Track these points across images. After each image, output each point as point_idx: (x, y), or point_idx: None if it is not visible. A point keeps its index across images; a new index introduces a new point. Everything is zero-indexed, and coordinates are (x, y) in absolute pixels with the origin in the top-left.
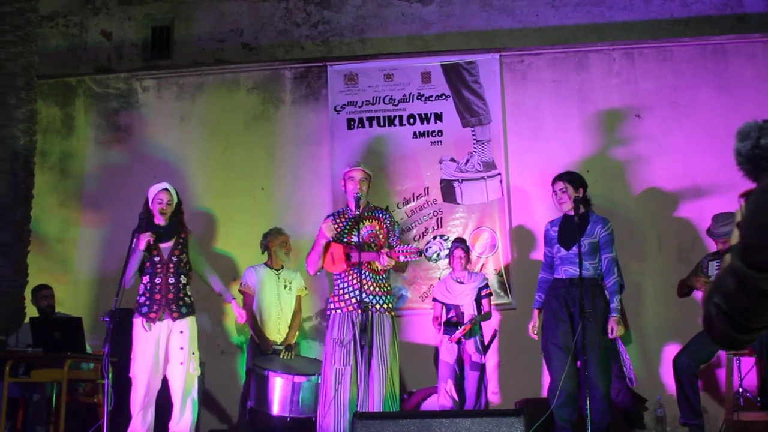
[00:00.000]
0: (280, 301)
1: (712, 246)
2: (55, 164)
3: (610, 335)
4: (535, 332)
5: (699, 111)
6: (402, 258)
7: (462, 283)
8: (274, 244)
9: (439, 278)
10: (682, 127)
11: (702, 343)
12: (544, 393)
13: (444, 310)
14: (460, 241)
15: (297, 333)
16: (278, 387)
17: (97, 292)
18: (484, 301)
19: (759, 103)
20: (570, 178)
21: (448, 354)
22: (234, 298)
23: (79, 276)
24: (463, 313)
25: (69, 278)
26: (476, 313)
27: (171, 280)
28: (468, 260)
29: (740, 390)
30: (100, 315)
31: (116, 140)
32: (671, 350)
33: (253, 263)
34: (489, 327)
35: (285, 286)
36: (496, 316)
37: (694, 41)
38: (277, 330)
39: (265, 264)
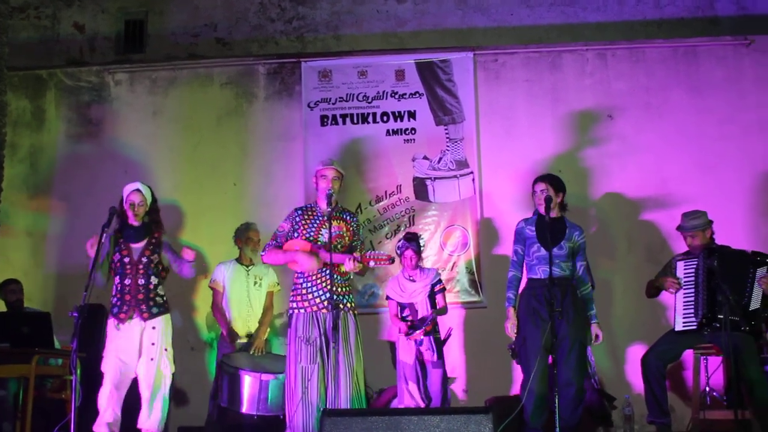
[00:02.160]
0: (249, 297)
1: (682, 247)
2: (25, 157)
3: (595, 342)
4: (515, 331)
5: (671, 112)
6: (372, 264)
7: (414, 281)
8: (241, 240)
9: (392, 276)
10: (654, 127)
11: (670, 342)
12: (513, 391)
13: (399, 308)
14: (410, 240)
15: (268, 329)
16: (246, 385)
17: (66, 287)
18: (438, 297)
19: (729, 104)
20: (552, 181)
21: (407, 354)
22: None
23: (49, 270)
24: (417, 311)
25: (38, 273)
26: (430, 309)
27: (141, 282)
28: (419, 259)
29: (707, 389)
30: (69, 310)
31: (87, 134)
32: (639, 350)
33: (224, 259)
34: (444, 323)
35: (255, 283)
36: (463, 314)
37: (666, 43)
38: (246, 326)
39: (236, 260)
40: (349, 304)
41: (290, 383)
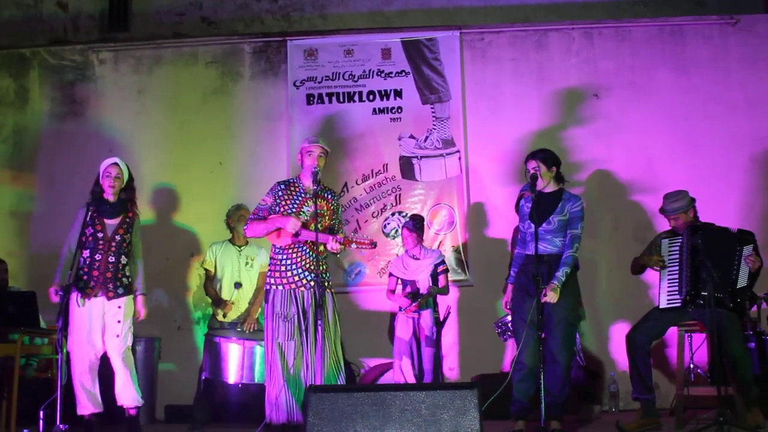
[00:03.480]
0: (240, 277)
1: (667, 225)
2: (9, 137)
3: (542, 299)
4: (509, 308)
5: (656, 91)
6: (354, 246)
7: (418, 259)
8: (233, 220)
9: (398, 255)
10: (640, 107)
11: (654, 319)
12: (503, 368)
13: (401, 285)
14: (413, 219)
15: (259, 309)
16: (231, 354)
17: (51, 266)
18: (441, 277)
19: (715, 84)
20: (543, 157)
21: (403, 330)
22: (144, 294)
23: (33, 250)
24: (419, 289)
25: (23, 252)
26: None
27: (111, 259)
28: (419, 238)
29: (691, 366)
30: (54, 289)
31: (72, 113)
32: (624, 328)
33: (211, 238)
34: (444, 303)
35: (246, 263)
36: (453, 293)
37: (652, 22)
38: (237, 306)
39: (229, 240)
40: (326, 282)
41: (268, 359)
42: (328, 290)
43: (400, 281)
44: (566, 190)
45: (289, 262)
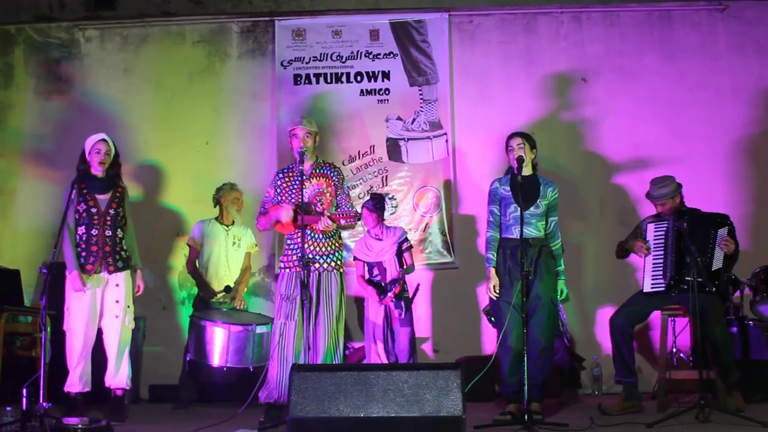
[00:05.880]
0: (227, 257)
1: (653, 210)
2: None
3: (560, 296)
4: (497, 291)
5: (644, 76)
6: (343, 222)
7: (380, 239)
8: (226, 199)
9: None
10: (627, 91)
11: (638, 303)
12: (484, 351)
13: (366, 267)
14: (367, 201)
15: (245, 288)
16: (216, 337)
17: (36, 244)
18: (406, 255)
19: (703, 70)
20: (527, 137)
21: (376, 314)
22: (141, 268)
23: (18, 228)
24: (385, 269)
25: (8, 230)
26: (398, 268)
27: (108, 233)
28: (380, 218)
29: (674, 350)
30: (39, 267)
31: (57, 91)
32: (609, 311)
33: (197, 217)
34: (412, 282)
35: (234, 243)
36: (439, 276)
37: (641, 7)
38: (222, 286)
39: (216, 219)
40: (333, 264)
41: (273, 339)
42: (334, 271)
43: (366, 265)
44: (540, 175)
45: (293, 244)
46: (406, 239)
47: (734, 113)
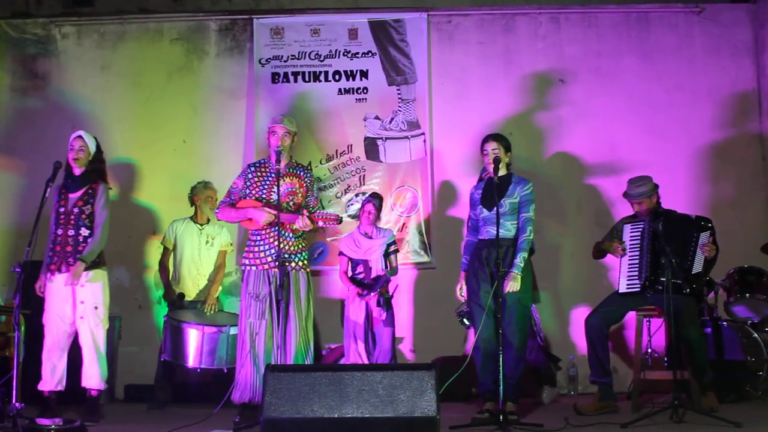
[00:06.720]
0: (200, 256)
1: (630, 211)
2: None
3: (504, 290)
4: (463, 294)
5: (621, 78)
6: (321, 224)
7: (370, 238)
8: (199, 198)
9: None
10: (605, 92)
11: (613, 304)
12: (465, 351)
13: (350, 264)
14: (374, 197)
15: (220, 288)
16: (191, 338)
17: (11, 242)
18: (393, 257)
19: (680, 71)
20: (502, 140)
21: (357, 313)
22: (83, 261)
23: None
24: (371, 269)
25: None
26: (384, 268)
27: (70, 232)
28: (377, 217)
29: (649, 350)
30: (12, 266)
31: (33, 88)
32: (585, 312)
33: (173, 216)
34: (392, 283)
35: (207, 242)
36: (416, 276)
37: (618, 8)
38: (195, 285)
39: (191, 218)
40: (300, 263)
41: (240, 338)
42: (302, 270)
43: (350, 261)
44: (514, 174)
45: (261, 242)
46: (395, 242)
47: (710, 115)
